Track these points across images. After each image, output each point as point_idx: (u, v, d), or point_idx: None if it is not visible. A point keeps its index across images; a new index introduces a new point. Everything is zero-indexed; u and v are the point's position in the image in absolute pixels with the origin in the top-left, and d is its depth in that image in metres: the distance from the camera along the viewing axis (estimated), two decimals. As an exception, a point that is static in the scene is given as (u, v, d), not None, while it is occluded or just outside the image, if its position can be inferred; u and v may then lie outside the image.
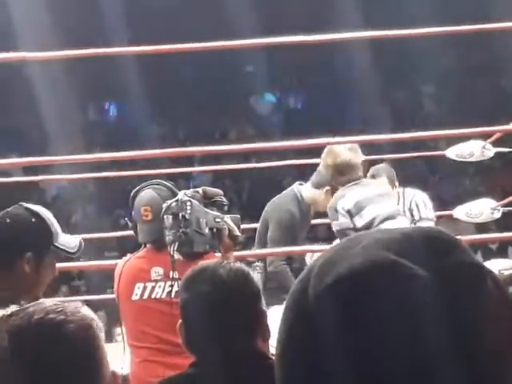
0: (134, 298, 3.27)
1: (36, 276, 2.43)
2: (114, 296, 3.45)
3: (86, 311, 1.30)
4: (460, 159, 4.60)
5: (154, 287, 3.27)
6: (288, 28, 4.81)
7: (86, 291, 9.34)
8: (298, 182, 5.06)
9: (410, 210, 4.99)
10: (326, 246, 3.47)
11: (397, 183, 5.10)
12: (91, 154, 5.11)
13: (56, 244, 2.49)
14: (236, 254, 3.39)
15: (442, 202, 10.01)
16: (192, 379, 2.08)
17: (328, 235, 8.59)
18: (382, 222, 4.29)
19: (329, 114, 11.88)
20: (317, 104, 12.68)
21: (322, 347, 0.70)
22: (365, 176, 4.66)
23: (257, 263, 4.77)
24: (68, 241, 2.55)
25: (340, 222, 4.31)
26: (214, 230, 3.19)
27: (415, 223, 4.84)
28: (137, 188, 3.38)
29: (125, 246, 9.57)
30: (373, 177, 4.96)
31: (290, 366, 0.72)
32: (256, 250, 4.88)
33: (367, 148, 6.77)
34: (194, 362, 2.08)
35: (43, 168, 8.44)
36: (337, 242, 4.14)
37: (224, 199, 3.29)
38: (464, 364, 0.69)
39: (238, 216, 3.35)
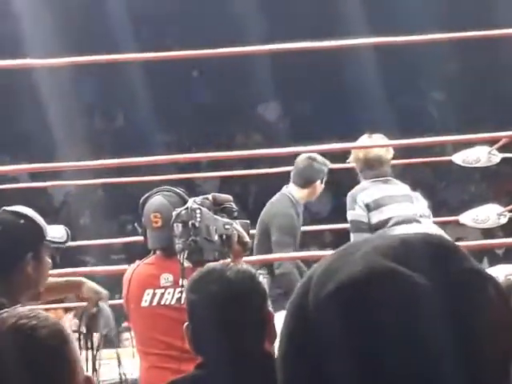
0: (144, 304, 3.28)
1: (37, 274, 2.46)
2: (121, 301, 3.46)
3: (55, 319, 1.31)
4: (466, 165, 4.60)
5: (163, 294, 3.28)
6: (296, 34, 4.81)
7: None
8: (285, 186, 5.13)
9: None
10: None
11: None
12: (98, 161, 5.11)
13: (48, 238, 2.53)
14: (245, 259, 3.39)
15: (449, 207, 9.99)
16: (198, 381, 2.08)
17: (334, 240, 8.58)
18: (396, 224, 4.28)
19: (336, 120, 11.87)
20: (324, 110, 12.66)
21: (322, 354, 0.70)
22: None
23: (259, 270, 4.78)
24: (56, 233, 2.59)
25: (356, 213, 4.31)
26: (224, 236, 3.19)
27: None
28: (147, 194, 3.39)
29: (131, 249, 9.58)
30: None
31: (291, 372, 0.72)
32: (261, 256, 4.88)
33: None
34: (201, 364, 2.08)
35: (51, 174, 8.45)
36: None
37: (234, 205, 3.30)
38: (465, 370, 0.69)
39: (248, 222, 3.35)
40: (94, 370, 2.84)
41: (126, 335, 5.99)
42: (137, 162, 4.92)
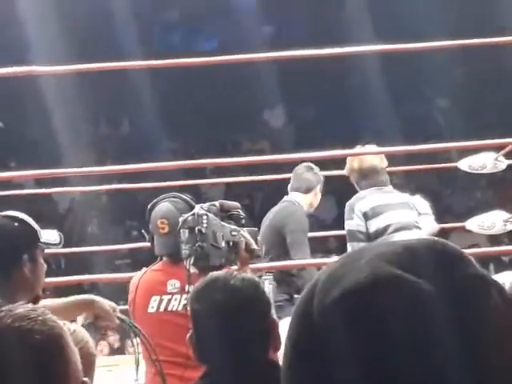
0: (150, 310, 3.28)
1: (34, 276, 2.48)
2: (126, 307, 3.46)
3: (57, 322, 1.25)
4: (472, 171, 4.60)
5: (170, 300, 3.28)
6: (301, 41, 4.82)
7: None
8: (285, 196, 5.16)
9: None
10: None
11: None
12: (103, 167, 5.12)
13: (42, 241, 2.55)
14: (252, 266, 3.40)
15: (454, 214, 9.98)
16: None
17: (339, 246, 8.57)
18: (395, 231, 4.28)
19: (341, 127, 11.88)
20: (329, 116, 12.67)
21: (327, 361, 0.70)
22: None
23: (265, 276, 4.78)
24: (49, 236, 2.62)
25: (353, 223, 4.32)
26: (231, 243, 3.19)
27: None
28: (154, 200, 3.40)
29: (136, 255, 9.58)
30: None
31: (296, 379, 0.72)
32: (271, 262, 4.87)
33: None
34: (205, 373, 2.08)
35: (56, 180, 8.46)
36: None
37: (241, 212, 3.30)
38: (471, 377, 0.69)
39: (256, 229, 3.36)
40: (163, 379, 2.83)
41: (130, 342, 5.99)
42: (142, 168, 4.92)
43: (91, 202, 11.16)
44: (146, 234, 3.43)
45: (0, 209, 2.75)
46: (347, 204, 4.44)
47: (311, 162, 5.22)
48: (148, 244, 3.46)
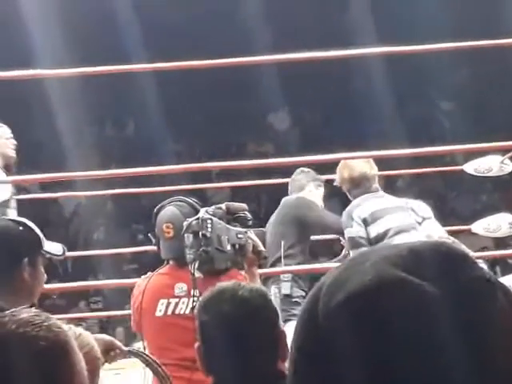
0: (158, 314, 3.29)
1: (33, 282, 2.49)
2: (130, 312, 3.46)
3: (66, 328, 1.23)
4: (478, 174, 4.59)
5: (177, 303, 3.29)
6: (305, 44, 4.82)
7: (104, 307, 9.35)
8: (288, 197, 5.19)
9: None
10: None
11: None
12: (108, 170, 5.12)
13: (45, 249, 2.56)
14: (263, 271, 3.39)
15: (460, 217, 9.96)
16: None
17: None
18: (395, 234, 4.29)
19: (346, 129, 11.87)
20: (333, 119, 12.67)
21: (333, 363, 0.70)
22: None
23: (283, 277, 4.82)
24: (54, 247, 2.63)
25: (354, 230, 4.33)
26: (237, 246, 3.19)
27: (420, 223, 4.80)
28: (160, 205, 3.41)
29: (142, 259, 9.57)
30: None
31: (302, 382, 0.72)
32: (287, 266, 4.88)
33: (384, 163, 6.74)
34: None
35: (61, 184, 8.48)
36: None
37: (248, 214, 3.30)
38: (477, 379, 0.69)
39: (263, 230, 3.35)
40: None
41: (137, 345, 5.99)
42: (147, 172, 4.93)
43: (97, 205, 11.17)
44: (152, 238, 3.44)
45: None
46: (344, 212, 4.45)
47: (316, 164, 5.23)
48: (154, 248, 3.48)
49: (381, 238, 4.28)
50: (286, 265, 4.85)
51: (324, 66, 8.83)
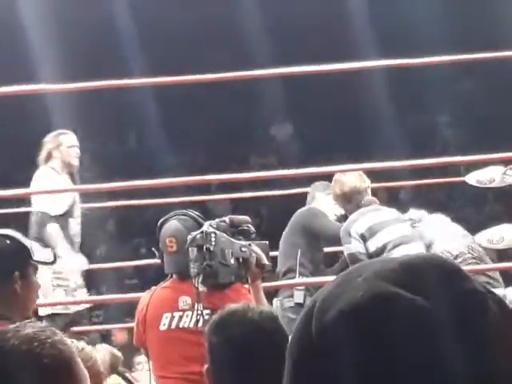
0: (162, 328, 3.28)
1: (25, 293, 2.48)
2: (133, 325, 3.45)
3: (73, 344, 1.22)
4: (480, 185, 4.59)
5: (181, 317, 3.28)
6: (307, 57, 4.83)
7: (106, 320, 9.34)
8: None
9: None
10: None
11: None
12: (110, 183, 5.12)
13: (35, 259, 2.55)
14: (269, 284, 3.38)
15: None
16: None
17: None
18: (395, 247, 4.29)
19: (348, 141, 11.88)
20: (335, 131, 12.68)
21: (329, 380, 0.70)
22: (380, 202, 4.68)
23: (297, 290, 4.82)
24: (43, 254, 2.62)
25: (353, 246, 4.32)
26: (241, 259, 3.19)
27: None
28: (163, 218, 3.41)
29: (143, 274, 9.56)
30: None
31: None
32: (296, 279, 4.88)
33: (387, 175, 6.74)
34: None
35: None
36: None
37: (251, 227, 3.29)
38: None
39: (266, 242, 3.34)
40: None
41: (138, 359, 5.98)
42: (148, 185, 4.93)
43: (99, 218, 11.16)
44: (156, 252, 3.44)
45: (7, 226, 2.75)
46: (342, 229, 4.44)
47: (318, 176, 5.23)
48: (158, 261, 3.47)
49: (380, 251, 4.27)
50: (299, 273, 4.88)
51: (326, 78, 8.84)
